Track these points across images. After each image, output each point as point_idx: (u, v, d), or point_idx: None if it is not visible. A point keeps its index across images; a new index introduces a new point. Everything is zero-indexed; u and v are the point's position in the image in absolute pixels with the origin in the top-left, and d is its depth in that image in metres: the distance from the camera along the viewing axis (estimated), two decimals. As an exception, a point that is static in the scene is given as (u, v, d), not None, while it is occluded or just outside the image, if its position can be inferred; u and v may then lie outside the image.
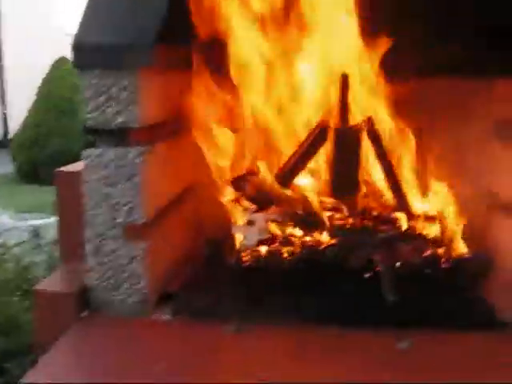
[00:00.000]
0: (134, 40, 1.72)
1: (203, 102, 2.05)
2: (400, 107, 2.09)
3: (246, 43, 1.98)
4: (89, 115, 1.76)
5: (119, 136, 1.77)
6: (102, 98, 1.74)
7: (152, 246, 1.85)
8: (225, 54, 1.97)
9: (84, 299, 1.82)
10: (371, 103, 2.05)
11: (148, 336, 1.75)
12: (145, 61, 1.73)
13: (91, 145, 1.80)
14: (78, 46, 1.75)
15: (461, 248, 1.94)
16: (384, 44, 2.03)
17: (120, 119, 1.75)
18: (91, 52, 1.74)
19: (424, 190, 2.09)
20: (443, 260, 1.87)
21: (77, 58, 1.76)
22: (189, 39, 1.91)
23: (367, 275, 1.81)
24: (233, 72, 1.98)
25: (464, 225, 2.06)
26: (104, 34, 1.74)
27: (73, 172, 1.98)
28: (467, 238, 2.07)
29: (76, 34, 1.75)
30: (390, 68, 2.07)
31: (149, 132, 1.85)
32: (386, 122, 2.04)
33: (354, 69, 2.04)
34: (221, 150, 2.07)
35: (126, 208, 1.78)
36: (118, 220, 1.79)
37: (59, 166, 2.13)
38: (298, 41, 2.03)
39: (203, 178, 2.14)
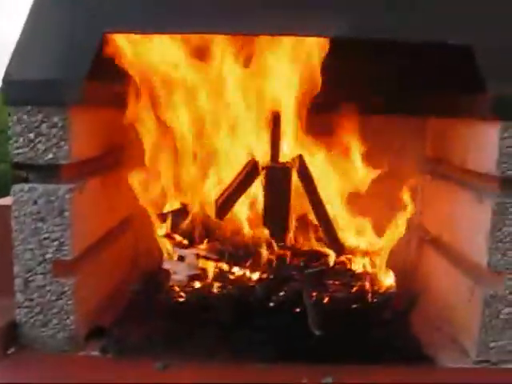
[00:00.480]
0: (64, 77, 1.73)
1: (138, 136, 2.07)
2: (334, 144, 2.15)
3: (179, 81, 2.02)
4: (18, 151, 1.75)
5: (49, 172, 1.77)
6: (31, 134, 1.75)
7: (82, 282, 1.85)
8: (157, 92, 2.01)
9: (11, 335, 1.81)
10: (303, 141, 2.10)
11: (76, 372, 1.74)
12: (75, 98, 1.74)
13: (22, 180, 1.81)
14: (8, 82, 1.75)
15: (388, 283, 1.98)
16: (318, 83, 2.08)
17: (50, 155, 1.75)
18: (21, 88, 1.74)
19: (355, 225, 2.14)
20: (370, 295, 1.90)
21: (7, 94, 1.75)
22: (120, 76, 1.93)
23: (296, 310, 1.83)
24: (165, 110, 2.01)
25: (395, 259, 2.11)
26: (35, 71, 1.75)
27: (2, 206, 1.97)
28: (399, 272, 2.12)
29: (6, 70, 1.75)
30: (325, 106, 2.13)
31: (80, 168, 1.86)
32: (317, 159, 2.09)
33: (287, 107, 2.09)
34: (154, 183, 2.09)
35: (55, 243, 1.78)
36: (48, 255, 1.78)
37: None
38: (232, 79, 2.07)
39: (140, 210, 2.15)
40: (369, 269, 2.00)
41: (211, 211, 2.02)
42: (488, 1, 1.81)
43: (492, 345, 1.81)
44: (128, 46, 1.88)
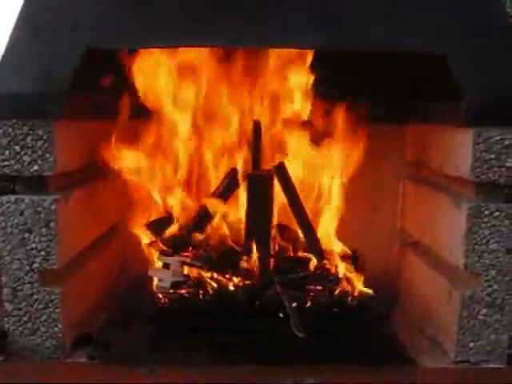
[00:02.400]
0: (48, 90, 1.76)
1: (124, 147, 2.10)
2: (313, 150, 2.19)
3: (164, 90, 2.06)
4: (4, 163, 1.79)
5: (35, 183, 1.81)
6: (17, 147, 1.79)
7: (69, 290, 1.89)
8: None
9: (0, 344, 1.84)
10: (284, 148, 2.15)
11: (64, 379, 1.77)
12: (58, 111, 1.77)
13: (8, 191, 1.84)
14: (-7, 96, 1.79)
15: (367, 287, 2.02)
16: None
17: (35, 167, 1.79)
18: (7, 102, 1.78)
19: (336, 231, 2.18)
20: (351, 298, 1.95)
21: (-8, 108, 1.79)
22: (103, 88, 1.97)
23: (278, 314, 1.87)
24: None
25: (378, 263, 2.15)
26: (19, 85, 1.78)
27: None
28: (381, 275, 2.17)
29: (-9, 84, 1.78)
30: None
31: (66, 178, 1.90)
32: (298, 166, 2.14)
33: (269, 115, 2.13)
34: (140, 193, 2.13)
35: (42, 253, 1.81)
36: (35, 265, 1.82)
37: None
38: (215, 87, 2.11)
39: (128, 217, 2.18)
40: (349, 273, 2.03)
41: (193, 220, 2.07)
42: (461, 10, 1.85)
43: (471, 345, 1.86)
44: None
